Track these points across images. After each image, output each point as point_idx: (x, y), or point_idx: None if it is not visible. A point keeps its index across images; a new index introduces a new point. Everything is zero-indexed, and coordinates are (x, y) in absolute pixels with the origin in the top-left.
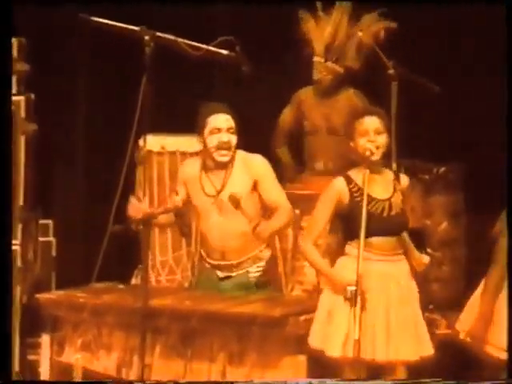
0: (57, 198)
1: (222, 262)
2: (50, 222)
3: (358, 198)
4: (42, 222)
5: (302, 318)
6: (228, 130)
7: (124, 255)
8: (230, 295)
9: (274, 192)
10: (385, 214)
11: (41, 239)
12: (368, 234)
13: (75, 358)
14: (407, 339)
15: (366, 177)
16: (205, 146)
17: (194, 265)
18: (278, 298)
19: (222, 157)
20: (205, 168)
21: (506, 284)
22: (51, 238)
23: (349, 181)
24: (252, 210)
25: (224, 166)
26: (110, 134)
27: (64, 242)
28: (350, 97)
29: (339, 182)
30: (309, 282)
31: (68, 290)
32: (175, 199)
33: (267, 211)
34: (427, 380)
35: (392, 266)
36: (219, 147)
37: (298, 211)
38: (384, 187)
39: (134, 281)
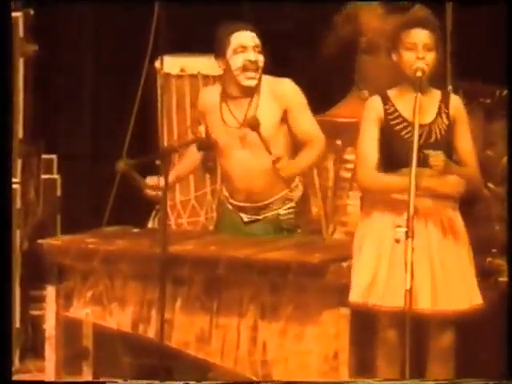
0: (61, 129)
1: (248, 204)
2: (53, 157)
3: (394, 122)
4: (44, 156)
5: (345, 264)
6: (254, 48)
7: (139, 194)
8: (261, 239)
9: (307, 122)
10: (421, 142)
11: (43, 177)
12: (401, 165)
13: (85, 312)
14: (454, 285)
15: (418, 100)
16: (227, 69)
17: (219, 205)
18: (316, 242)
19: (249, 80)
20: (226, 96)
21: None
22: (55, 176)
23: (385, 100)
24: (280, 146)
25: (249, 92)
26: (122, 56)
27: (70, 180)
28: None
29: (374, 102)
30: (353, 223)
31: (75, 234)
32: (198, 129)
33: (297, 146)
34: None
35: (432, 202)
36: (246, 68)
37: (339, 142)
38: (426, 110)
39: (150, 224)
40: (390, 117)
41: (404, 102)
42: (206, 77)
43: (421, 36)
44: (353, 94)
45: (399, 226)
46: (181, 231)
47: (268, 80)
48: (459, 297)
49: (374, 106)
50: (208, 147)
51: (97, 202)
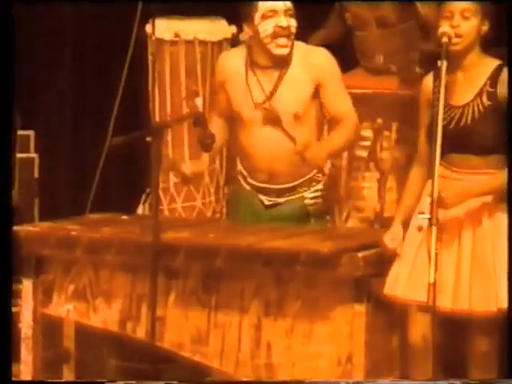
0: (40, 101)
1: (270, 185)
2: (30, 133)
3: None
4: (20, 133)
5: (360, 254)
6: (286, 12)
7: (127, 176)
8: (265, 227)
9: (341, 99)
10: (451, 125)
11: (19, 155)
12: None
13: (66, 309)
14: (481, 284)
15: (443, 70)
16: (255, 35)
17: (219, 188)
18: (328, 230)
19: (281, 48)
20: (252, 64)
21: None
22: (33, 154)
23: (435, 76)
24: (310, 124)
25: (280, 62)
26: (109, 21)
27: (49, 160)
28: None
29: (428, 80)
30: (370, 208)
31: (56, 221)
32: (195, 102)
33: (329, 125)
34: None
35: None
36: (276, 34)
37: None
38: (464, 89)
39: (140, 209)
40: (435, 96)
41: (446, 81)
42: (203, 42)
43: (459, 3)
44: (360, 68)
45: (422, 213)
46: (175, 217)
47: (300, 48)
48: (485, 297)
49: (426, 84)
50: (206, 123)
51: (80, 185)
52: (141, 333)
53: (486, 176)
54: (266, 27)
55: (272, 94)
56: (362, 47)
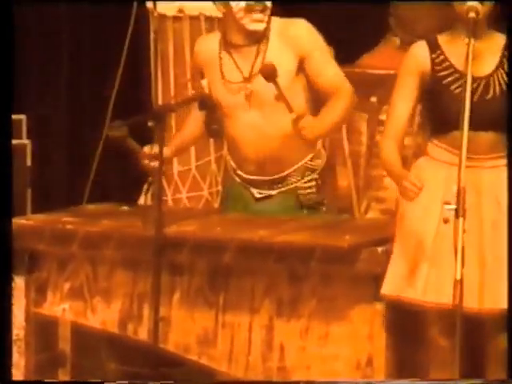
0: (33, 85)
1: (259, 177)
2: (22, 117)
3: (443, 73)
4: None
5: (380, 249)
6: None
7: (127, 164)
8: (278, 219)
9: (329, 70)
10: (475, 98)
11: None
12: (452, 127)
13: (61, 308)
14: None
15: (471, 45)
16: (227, 12)
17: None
18: (346, 222)
19: (256, 23)
20: (227, 45)
21: None
22: (25, 141)
23: (433, 47)
24: (298, 102)
25: (256, 38)
26: None
27: (43, 147)
28: None
29: (419, 49)
30: (390, 199)
31: (50, 213)
32: (201, 83)
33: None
34: None
35: (487, 174)
36: (250, 9)
37: (374, 99)
38: (483, 59)
39: (142, 200)
40: (439, 67)
41: (456, 50)
42: (209, 18)
43: None
44: (387, 41)
45: (447, 203)
46: (179, 209)
47: (278, 22)
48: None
49: (417, 55)
50: (213, 106)
51: (76, 173)
52: (143, 334)
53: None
54: (238, 1)
55: (251, 74)
56: (402, 12)
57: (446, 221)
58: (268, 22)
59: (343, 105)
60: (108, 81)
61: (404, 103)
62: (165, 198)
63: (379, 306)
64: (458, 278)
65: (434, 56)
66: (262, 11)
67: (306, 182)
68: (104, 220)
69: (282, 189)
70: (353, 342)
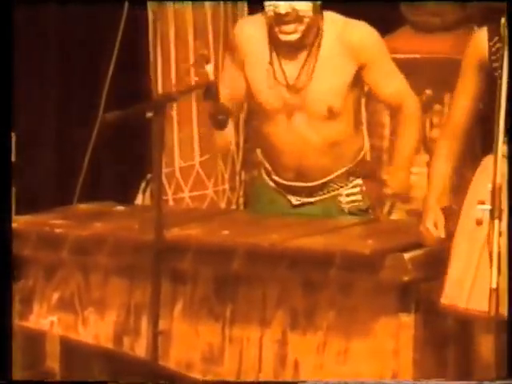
0: (18, 68)
1: (299, 183)
2: None
3: (496, 64)
4: None
5: (407, 255)
6: None
7: (124, 159)
8: (292, 221)
9: (394, 79)
10: None
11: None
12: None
13: (49, 321)
14: None
15: (504, 27)
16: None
17: (234, 174)
18: (368, 225)
19: (287, 35)
20: (275, 41)
21: None
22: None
23: (492, 34)
24: (346, 121)
25: (306, 39)
26: None
27: (29, 140)
28: None
29: (480, 36)
30: (417, 199)
31: (37, 214)
32: (205, 69)
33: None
34: None
35: None
36: (279, 20)
37: None
38: None
39: (139, 199)
40: (493, 57)
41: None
42: None
43: None
44: (403, 29)
45: (482, 203)
46: (181, 209)
47: (335, 21)
48: None
49: (478, 42)
50: (217, 94)
51: (66, 170)
52: (140, 350)
53: None
54: (268, 7)
55: (298, 79)
56: None
57: (479, 222)
58: (317, 23)
59: (415, 126)
60: (102, 66)
61: (464, 102)
62: (165, 197)
63: (406, 318)
64: (494, 286)
65: (491, 43)
66: (294, 21)
67: (349, 189)
68: (97, 222)
69: (323, 196)
70: (376, 358)
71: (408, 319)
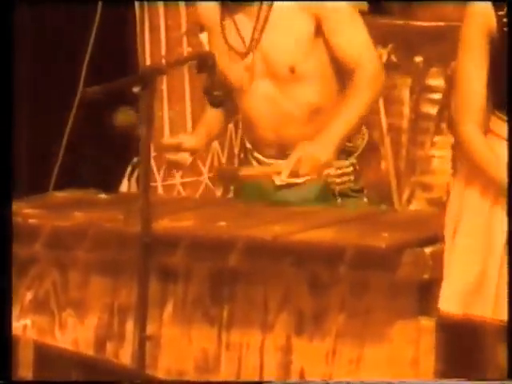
0: None
1: (280, 161)
2: None
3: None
4: None
5: (428, 250)
6: None
7: (106, 140)
8: (297, 211)
9: (349, 37)
10: None
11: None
12: None
13: (21, 324)
14: None
15: None
16: None
17: (232, 156)
18: (384, 216)
19: None
20: (228, 6)
21: None
22: None
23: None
24: (314, 80)
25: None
26: None
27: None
28: None
29: (482, 5)
30: (441, 186)
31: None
32: (199, 38)
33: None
34: None
35: None
36: None
37: (419, 59)
38: None
39: (125, 186)
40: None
41: None
42: None
43: None
44: None
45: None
46: (172, 198)
47: None
48: None
49: (483, 11)
50: (213, 66)
51: (41, 152)
52: (125, 357)
53: None
54: None
55: (254, 40)
56: None
57: None
58: None
59: (361, 98)
60: (83, 35)
61: (477, 72)
62: (153, 183)
63: (426, 323)
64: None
65: (501, 13)
66: None
67: (340, 168)
68: (76, 212)
69: (307, 177)
70: (392, 367)
71: (429, 323)
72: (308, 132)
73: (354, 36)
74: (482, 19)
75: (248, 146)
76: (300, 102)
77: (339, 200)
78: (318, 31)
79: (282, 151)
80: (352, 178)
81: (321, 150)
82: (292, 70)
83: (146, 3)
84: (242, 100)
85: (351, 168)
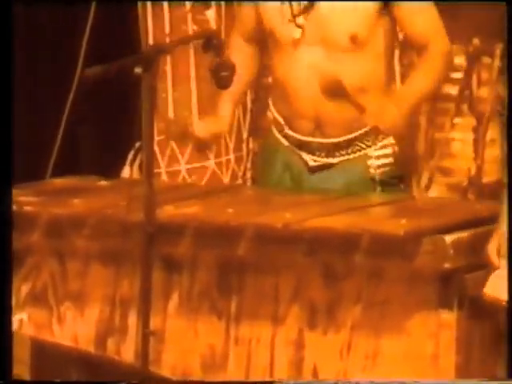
0: None
1: (317, 139)
2: None
3: None
4: None
5: (449, 238)
6: None
7: (107, 124)
8: (309, 197)
9: (422, 15)
10: None
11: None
12: None
13: (17, 319)
14: None
15: None
16: None
17: (241, 142)
18: (401, 202)
19: None
20: None
21: None
22: None
23: None
24: (374, 52)
25: None
26: None
27: None
28: None
29: None
30: (462, 170)
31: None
32: (205, 15)
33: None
34: None
35: None
36: None
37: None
38: None
39: (126, 172)
40: None
41: None
42: None
43: None
44: None
45: None
46: (177, 184)
47: None
48: None
49: None
50: (220, 45)
51: (39, 137)
52: (128, 353)
53: None
54: None
55: (313, 5)
56: None
57: None
58: None
59: (432, 72)
60: (82, 12)
61: None
62: (157, 170)
63: (447, 315)
64: None
65: None
66: None
67: (379, 149)
68: (75, 199)
69: (348, 156)
70: (411, 363)
71: (449, 316)
72: (351, 112)
73: (424, 12)
74: None
75: (280, 120)
76: (352, 77)
77: (378, 188)
78: (385, 8)
79: (319, 129)
80: (392, 160)
81: (397, 103)
82: (353, 40)
83: None
84: (281, 66)
85: (390, 150)
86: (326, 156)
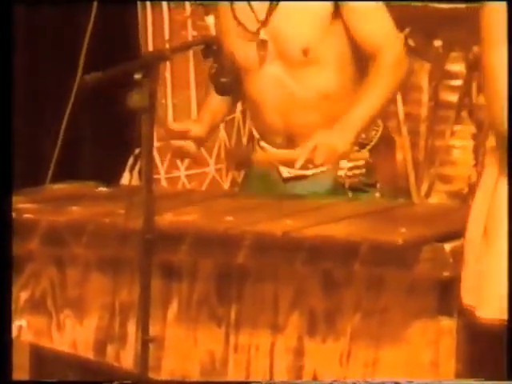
0: None
1: (288, 151)
2: None
3: None
4: None
5: (448, 246)
6: None
7: (107, 130)
8: (309, 205)
9: (372, 20)
10: None
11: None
12: None
13: (17, 326)
14: None
15: None
16: None
17: (241, 147)
18: (401, 210)
19: None
20: None
21: None
22: None
23: None
24: (329, 65)
25: None
26: None
27: None
28: None
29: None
30: (462, 177)
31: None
32: (205, 21)
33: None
34: None
35: None
36: None
37: (438, 43)
38: None
39: (126, 178)
40: None
41: None
42: None
43: None
44: None
45: None
46: (177, 191)
47: None
48: None
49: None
50: (219, 51)
51: (38, 143)
52: (127, 360)
53: None
54: None
55: (268, 16)
56: None
57: None
58: None
59: (384, 84)
60: (82, 18)
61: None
62: (156, 176)
63: (447, 323)
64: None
65: None
66: None
67: (352, 161)
68: (74, 206)
69: (320, 168)
70: (410, 370)
71: (449, 323)
72: (318, 121)
73: (375, 19)
74: None
75: (255, 134)
76: (311, 88)
77: (350, 194)
78: (337, 14)
79: (290, 141)
80: (363, 171)
81: (338, 139)
82: (305, 53)
83: None
84: (250, 83)
85: (362, 162)
86: (300, 167)
